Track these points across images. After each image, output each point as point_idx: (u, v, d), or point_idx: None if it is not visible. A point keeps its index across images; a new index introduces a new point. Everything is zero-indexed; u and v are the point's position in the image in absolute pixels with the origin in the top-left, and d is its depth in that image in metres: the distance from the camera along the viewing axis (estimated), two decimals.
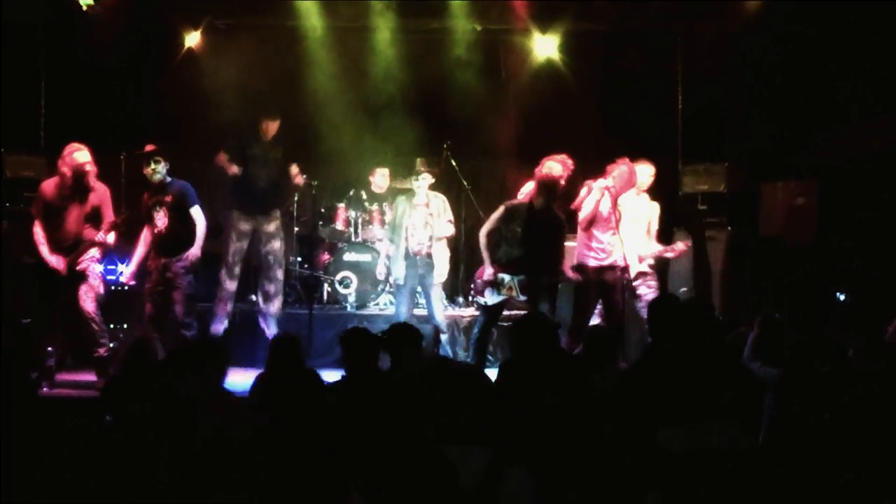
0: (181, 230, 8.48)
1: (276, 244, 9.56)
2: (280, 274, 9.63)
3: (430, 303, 9.29)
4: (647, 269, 9.02)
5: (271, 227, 9.54)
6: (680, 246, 9.09)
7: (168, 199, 8.44)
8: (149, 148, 8.49)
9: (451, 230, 9.42)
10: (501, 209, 8.58)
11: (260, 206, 9.50)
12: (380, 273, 9.75)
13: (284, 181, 9.67)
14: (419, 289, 9.42)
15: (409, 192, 9.51)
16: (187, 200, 8.54)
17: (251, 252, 9.61)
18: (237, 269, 9.53)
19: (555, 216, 8.46)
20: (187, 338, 8.33)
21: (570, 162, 8.68)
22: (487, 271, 8.41)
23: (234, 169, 9.30)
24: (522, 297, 8.27)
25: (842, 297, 9.41)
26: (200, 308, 9.31)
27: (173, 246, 8.48)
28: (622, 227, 8.76)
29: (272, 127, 9.50)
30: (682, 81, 11.19)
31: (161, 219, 8.46)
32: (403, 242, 9.26)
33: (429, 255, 9.20)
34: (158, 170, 8.45)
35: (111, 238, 8.34)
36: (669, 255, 9.15)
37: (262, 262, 9.62)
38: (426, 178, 9.35)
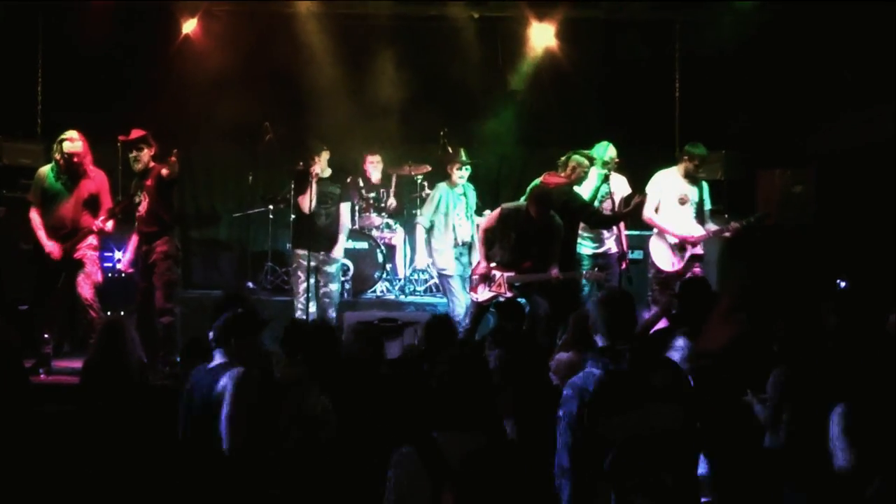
0: (159, 214, 8.34)
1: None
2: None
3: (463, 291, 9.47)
4: (700, 252, 8.96)
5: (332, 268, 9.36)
6: (734, 225, 9.01)
7: (148, 182, 8.34)
8: (135, 134, 8.33)
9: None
10: (498, 210, 8.55)
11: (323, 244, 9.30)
12: (420, 262, 10.10)
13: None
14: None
15: (448, 181, 9.75)
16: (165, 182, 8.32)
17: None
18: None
19: (549, 223, 8.24)
20: (164, 325, 8.20)
21: (597, 158, 8.75)
22: (481, 267, 8.42)
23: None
24: (509, 295, 8.25)
25: (842, 284, 9.39)
26: (190, 295, 9.33)
27: (152, 231, 8.35)
28: (668, 210, 8.89)
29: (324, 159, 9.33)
30: (680, 69, 11.19)
31: (142, 204, 8.36)
32: (451, 232, 9.38)
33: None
34: (141, 157, 8.30)
35: (109, 225, 8.31)
36: (727, 234, 9.02)
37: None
38: (468, 169, 9.59)
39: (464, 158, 9.66)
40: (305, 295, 9.07)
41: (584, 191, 8.73)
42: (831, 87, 10.10)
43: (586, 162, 8.67)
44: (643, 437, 3.77)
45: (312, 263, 9.13)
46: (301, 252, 9.18)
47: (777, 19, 10.12)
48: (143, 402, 5.41)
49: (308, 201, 9.10)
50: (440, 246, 9.66)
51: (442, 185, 9.80)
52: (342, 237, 9.38)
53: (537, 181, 9.35)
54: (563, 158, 8.79)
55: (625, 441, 3.79)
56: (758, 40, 10.33)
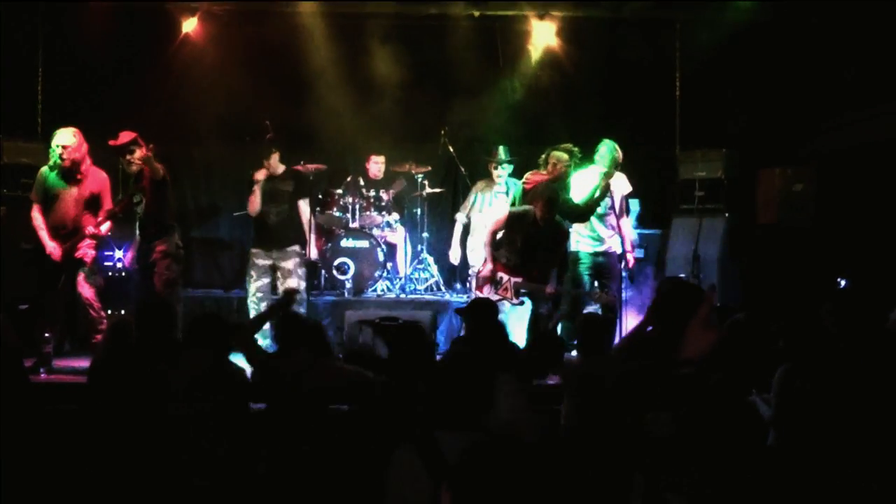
0: (158, 213, 8.39)
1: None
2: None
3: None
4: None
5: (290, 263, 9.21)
6: None
7: (144, 183, 8.35)
8: (124, 137, 8.28)
9: None
10: (505, 214, 8.58)
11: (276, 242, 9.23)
12: (453, 258, 10.22)
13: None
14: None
15: (488, 180, 9.90)
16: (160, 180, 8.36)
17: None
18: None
19: (556, 228, 8.31)
20: None
21: (576, 150, 8.71)
22: (487, 267, 8.42)
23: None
24: (516, 301, 8.27)
25: (843, 283, 9.40)
26: (191, 294, 9.32)
27: (151, 230, 8.41)
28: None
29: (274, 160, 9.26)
30: (680, 67, 11.19)
31: (141, 205, 8.40)
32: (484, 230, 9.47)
33: None
34: (134, 160, 8.27)
35: (104, 228, 8.32)
36: None
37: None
38: (507, 168, 9.60)
39: (501, 157, 9.77)
40: (258, 294, 9.10)
41: (584, 188, 8.70)
42: (832, 86, 10.09)
43: (566, 157, 8.63)
44: (682, 437, 3.78)
45: (268, 262, 9.15)
46: (254, 251, 9.24)
47: (777, 18, 10.12)
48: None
49: (254, 205, 9.16)
50: (474, 244, 9.79)
51: (479, 185, 9.97)
52: (311, 237, 9.40)
53: (519, 185, 9.41)
54: (543, 156, 8.78)
55: (667, 437, 3.79)
56: (758, 39, 10.34)
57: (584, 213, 8.62)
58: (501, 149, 9.94)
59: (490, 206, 9.80)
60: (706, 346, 4.46)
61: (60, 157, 8.12)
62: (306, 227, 9.37)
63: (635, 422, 3.91)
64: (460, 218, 10.23)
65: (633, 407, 4.11)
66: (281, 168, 9.28)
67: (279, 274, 9.16)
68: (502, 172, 9.80)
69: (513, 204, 8.89)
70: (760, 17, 10.17)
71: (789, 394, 4.79)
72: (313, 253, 9.55)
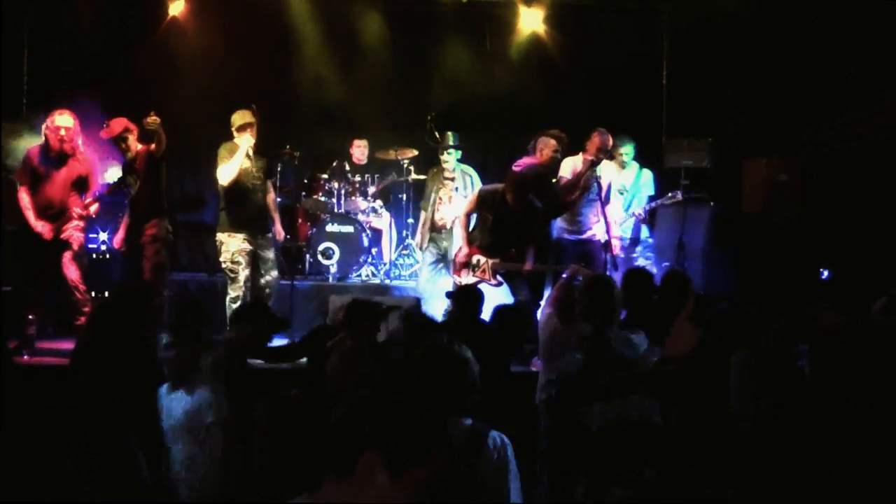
0: (151, 196, 8.33)
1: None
2: None
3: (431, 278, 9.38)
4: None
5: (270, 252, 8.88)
6: None
7: (138, 166, 8.29)
8: (116, 127, 8.18)
9: None
10: (476, 193, 8.56)
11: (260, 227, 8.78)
12: (416, 243, 10.08)
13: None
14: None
15: (439, 167, 9.75)
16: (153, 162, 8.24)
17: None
18: None
19: (527, 207, 8.16)
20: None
21: (563, 136, 8.70)
22: (463, 251, 8.39)
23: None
24: (493, 282, 8.22)
25: (825, 274, 9.43)
26: (176, 278, 9.30)
27: (142, 213, 8.35)
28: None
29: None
30: (667, 56, 11.19)
31: (134, 187, 8.34)
32: (430, 214, 9.39)
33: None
34: (130, 146, 8.23)
35: (93, 209, 8.30)
36: None
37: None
38: (453, 153, 9.56)
39: (449, 143, 9.66)
40: (248, 284, 8.56)
41: (569, 175, 8.72)
42: (821, 80, 10.11)
43: (553, 142, 8.61)
44: (622, 428, 3.77)
45: (248, 247, 8.59)
46: (232, 236, 8.57)
47: (767, 9, 10.12)
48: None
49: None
50: (424, 230, 9.71)
51: (430, 172, 9.89)
52: (276, 216, 9.06)
53: (472, 172, 9.39)
54: (532, 142, 8.77)
55: (603, 430, 3.79)
56: (746, 29, 10.34)
57: (559, 207, 8.59)
58: (450, 134, 9.83)
59: (437, 192, 9.63)
60: (688, 345, 4.47)
61: (62, 139, 8.09)
62: (272, 208, 9.03)
63: (573, 415, 3.89)
64: (423, 206, 9.93)
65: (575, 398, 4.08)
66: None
67: (260, 264, 8.71)
68: (449, 158, 9.63)
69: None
70: (748, 7, 10.14)
71: (751, 383, 4.76)
72: (280, 232, 9.17)
